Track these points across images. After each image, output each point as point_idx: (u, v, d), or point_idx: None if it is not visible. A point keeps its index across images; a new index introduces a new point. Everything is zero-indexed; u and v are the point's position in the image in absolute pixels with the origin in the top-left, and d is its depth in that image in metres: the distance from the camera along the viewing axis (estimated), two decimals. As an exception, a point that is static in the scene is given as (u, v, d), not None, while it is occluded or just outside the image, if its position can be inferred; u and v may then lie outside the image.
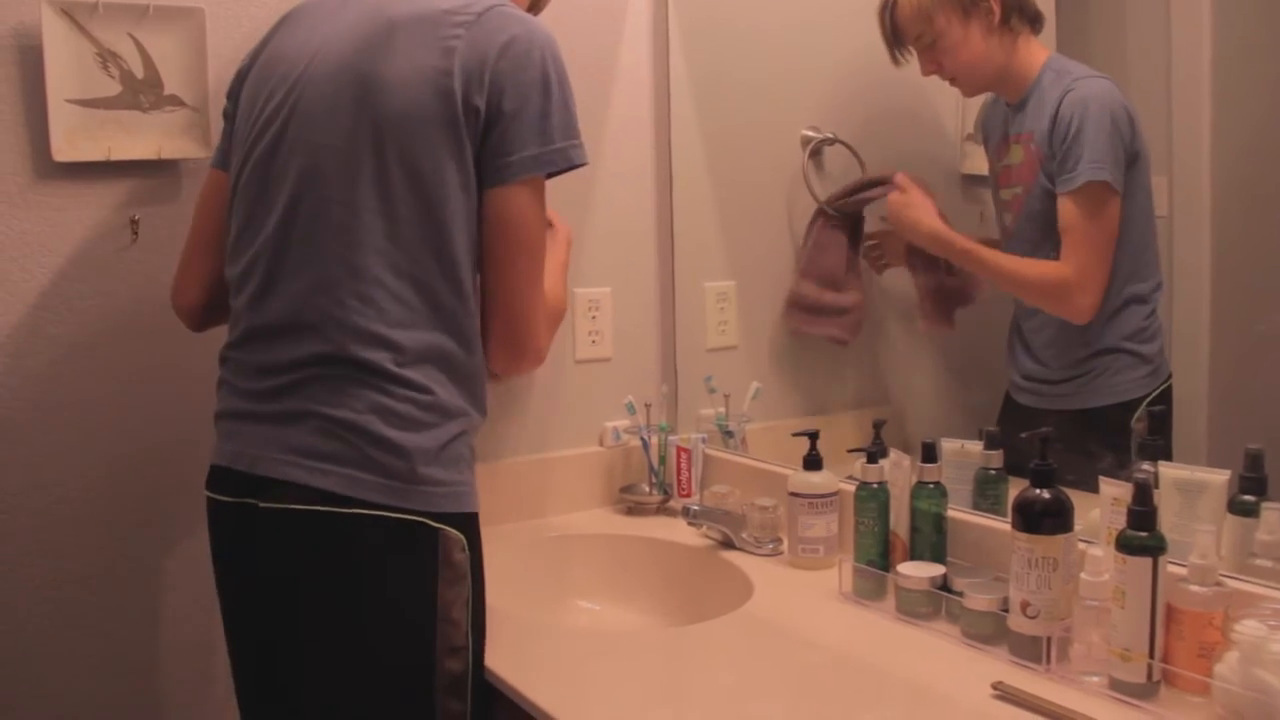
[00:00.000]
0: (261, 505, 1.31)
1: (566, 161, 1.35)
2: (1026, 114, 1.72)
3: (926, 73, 1.80)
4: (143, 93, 1.69)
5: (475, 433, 1.40)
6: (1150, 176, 1.62)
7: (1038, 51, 1.72)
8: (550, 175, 1.37)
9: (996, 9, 1.70)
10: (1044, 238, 1.69)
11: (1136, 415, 1.61)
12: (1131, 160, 1.61)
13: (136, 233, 1.72)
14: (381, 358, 1.29)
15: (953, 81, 1.80)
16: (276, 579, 1.33)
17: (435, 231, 1.31)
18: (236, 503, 1.35)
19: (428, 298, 1.31)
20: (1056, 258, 1.67)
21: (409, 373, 1.30)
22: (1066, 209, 1.65)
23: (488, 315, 1.39)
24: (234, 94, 1.51)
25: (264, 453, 1.32)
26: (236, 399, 1.39)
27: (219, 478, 1.39)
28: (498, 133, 1.31)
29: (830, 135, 2.08)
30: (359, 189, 1.30)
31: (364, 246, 1.29)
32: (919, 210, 1.85)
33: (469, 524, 1.35)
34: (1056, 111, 1.65)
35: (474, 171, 1.32)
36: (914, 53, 1.82)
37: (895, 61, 1.85)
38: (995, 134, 1.83)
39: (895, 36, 1.82)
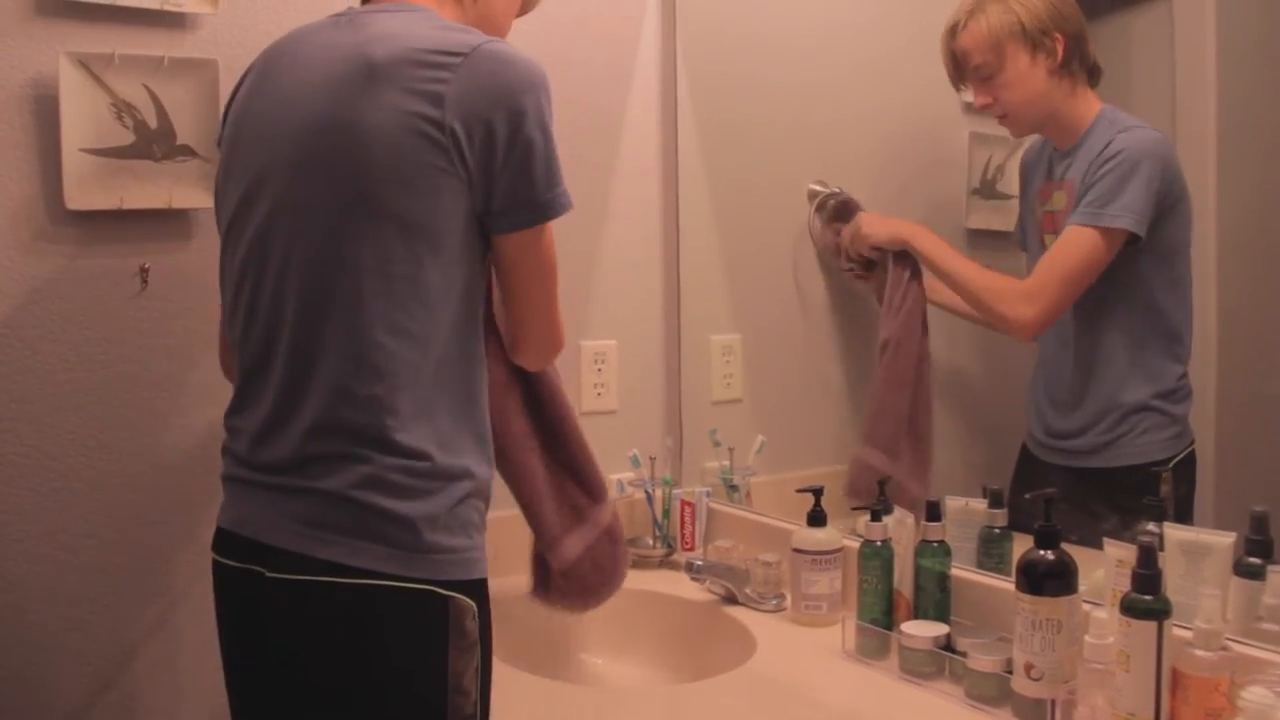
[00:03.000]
0: (268, 574, 1.27)
1: (563, 210, 1.32)
2: (1074, 161, 1.72)
3: (980, 105, 1.78)
4: (156, 142, 1.71)
5: (485, 494, 1.35)
6: (1190, 232, 1.62)
7: (1093, 102, 1.71)
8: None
9: (1060, 50, 1.70)
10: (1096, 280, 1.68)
11: (1163, 476, 1.60)
12: (1170, 213, 1.61)
13: (146, 281, 1.73)
14: (376, 424, 1.24)
15: (1002, 119, 1.78)
16: (285, 650, 1.29)
17: (428, 285, 1.26)
18: (242, 569, 1.31)
19: (423, 355, 1.27)
20: (1107, 298, 1.67)
21: (404, 438, 1.25)
22: (1070, 234, 1.65)
23: (515, 334, 1.42)
24: (220, 142, 1.46)
25: (268, 520, 1.28)
26: (239, 467, 1.35)
27: (224, 541, 1.36)
28: (495, 182, 1.27)
29: (837, 190, 2.09)
30: (349, 246, 1.24)
31: (359, 307, 1.24)
32: (874, 220, 1.91)
33: (479, 590, 1.31)
34: (1099, 155, 1.65)
35: (472, 217, 1.28)
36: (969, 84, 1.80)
37: (957, 89, 1.83)
38: (1037, 178, 1.83)
39: (955, 67, 1.80)
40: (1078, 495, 1.64)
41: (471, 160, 1.25)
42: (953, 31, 1.78)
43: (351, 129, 1.24)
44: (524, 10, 1.59)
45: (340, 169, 1.25)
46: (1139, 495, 1.57)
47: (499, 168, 1.26)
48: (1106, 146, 1.64)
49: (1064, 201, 1.73)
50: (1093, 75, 1.72)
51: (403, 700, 1.26)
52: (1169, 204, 1.61)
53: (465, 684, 1.29)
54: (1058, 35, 1.70)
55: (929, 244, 1.83)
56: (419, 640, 1.26)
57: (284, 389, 1.29)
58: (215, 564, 1.38)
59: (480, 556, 1.32)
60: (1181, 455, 1.61)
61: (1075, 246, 1.65)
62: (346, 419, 1.25)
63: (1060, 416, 1.77)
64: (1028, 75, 1.72)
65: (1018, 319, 1.70)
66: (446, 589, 1.26)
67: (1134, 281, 1.65)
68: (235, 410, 1.38)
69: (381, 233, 1.25)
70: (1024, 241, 1.86)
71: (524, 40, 1.41)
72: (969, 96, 1.82)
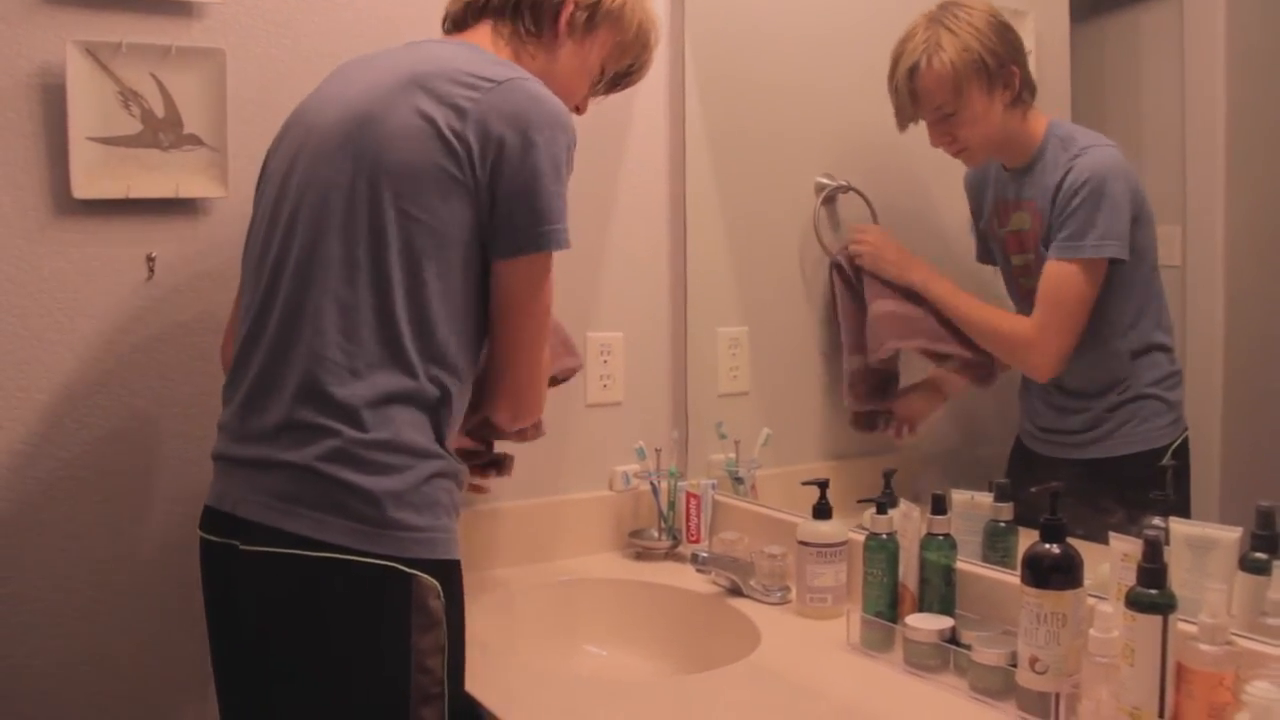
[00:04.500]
0: (241, 547, 1.31)
1: (557, 245, 1.37)
2: (1032, 180, 1.71)
3: (937, 144, 1.77)
4: (163, 131, 1.71)
5: (457, 479, 1.38)
6: (1155, 229, 1.62)
7: (1038, 118, 1.72)
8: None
9: (1016, 83, 1.70)
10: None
11: (1164, 462, 1.60)
12: (1135, 221, 1.61)
13: (153, 270, 1.74)
14: (348, 396, 1.28)
15: (959, 153, 1.78)
16: (254, 621, 1.33)
17: (418, 276, 1.31)
18: (222, 543, 1.36)
19: (404, 341, 1.31)
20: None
21: (374, 414, 1.29)
22: (1056, 271, 1.66)
23: (495, 377, 1.44)
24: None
25: (244, 495, 1.33)
26: (227, 441, 1.39)
27: (209, 517, 1.40)
28: (501, 206, 1.33)
29: (844, 183, 2.09)
30: (354, 228, 1.31)
31: (351, 283, 1.30)
32: (887, 250, 1.94)
33: (446, 571, 1.33)
34: (1061, 181, 1.65)
35: (474, 227, 1.34)
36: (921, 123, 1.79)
37: (902, 128, 1.81)
38: (989, 198, 1.82)
39: (913, 105, 1.77)
40: (1077, 485, 1.64)
41: (481, 173, 1.32)
42: (911, 72, 1.74)
43: (377, 121, 1.33)
44: (611, 87, 1.67)
45: (358, 155, 1.32)
46: (1140, 483, 1.57)
47: (503, 187, 1.33)
48: (1067, 174, 1.65)
49: (1028, 221, 1.73)
50: (1034, 93, 1.72)
51: (365, 675, 1.29)
52: (1136, 214, 1.62)
53: (429, 663, 1.31)
54: (1014, 69, 1.70)
55: (938, 289, 1.85)
56: (380, 616, 1.29)
57: (270, 353, 1.34)
58: (201, 540, 1.42)
59: (449, 537, 1.35)
60: (1178, 442, 1.61)
61: (1063, 282, 1.66)
62: (320, 390, 1.29)
63: (1055, 408, 1.76)
64: (988, 111, 1.72)
65: (1035, 370, 1.75)
66: (410, 567, 1.29)
67: (1114, 277, 1.65)
68: (229, 382, 1.43)
69: (386, 220, 1.31)
70: (988, 257, 1.86)
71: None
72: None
